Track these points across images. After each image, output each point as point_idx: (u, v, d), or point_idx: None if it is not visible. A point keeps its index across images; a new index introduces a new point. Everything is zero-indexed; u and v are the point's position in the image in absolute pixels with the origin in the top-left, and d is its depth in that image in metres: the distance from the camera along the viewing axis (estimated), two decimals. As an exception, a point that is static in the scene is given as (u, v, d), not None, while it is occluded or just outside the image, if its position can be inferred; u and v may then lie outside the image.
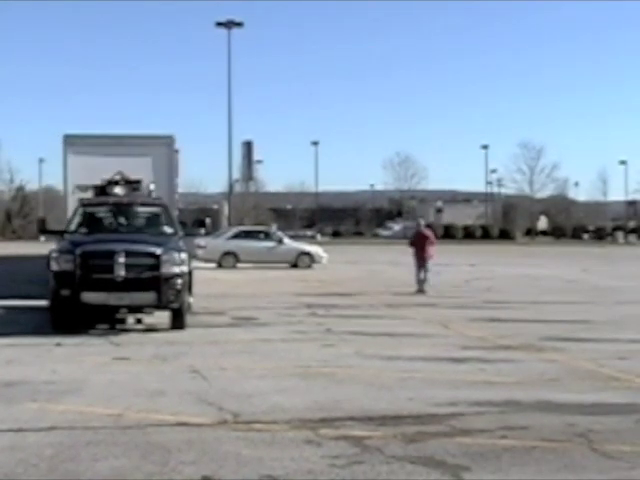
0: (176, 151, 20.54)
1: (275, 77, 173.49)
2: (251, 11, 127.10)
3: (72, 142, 20.43)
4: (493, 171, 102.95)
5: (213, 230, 31.28)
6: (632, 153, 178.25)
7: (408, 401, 8.67)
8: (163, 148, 20.42)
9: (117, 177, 18.03)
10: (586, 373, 10.54)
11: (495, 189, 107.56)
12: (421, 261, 23.23)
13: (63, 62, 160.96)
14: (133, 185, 17.64)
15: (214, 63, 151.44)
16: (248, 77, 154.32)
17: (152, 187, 18.94)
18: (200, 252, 29.02)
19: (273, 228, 46.98)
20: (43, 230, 17.17)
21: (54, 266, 13.95)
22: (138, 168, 19.44)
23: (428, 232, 24.54)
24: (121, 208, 16.51)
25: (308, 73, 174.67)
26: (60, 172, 21.17)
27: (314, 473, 6.24)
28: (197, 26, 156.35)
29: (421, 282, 23.00)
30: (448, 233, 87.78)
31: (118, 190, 17.65)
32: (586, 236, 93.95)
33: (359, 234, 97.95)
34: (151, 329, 14.19)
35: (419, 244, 23.62)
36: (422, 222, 26.01)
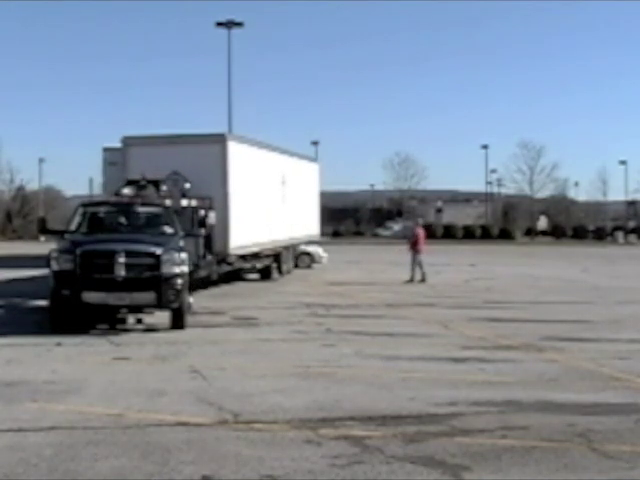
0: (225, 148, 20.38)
1: (275, 77, 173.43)
2: (251, 11, 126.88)
3: (131, 143, 20.75)
4: (493, 171, 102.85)
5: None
6: (632, 153, 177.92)
7: (408, 401, 8.67)
8: (216, 146, 20.45)
9: (138, 177, 18.17)
10: (586, 373, 10.55)
11: (495, 189, 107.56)
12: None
13: (62, 61, 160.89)
14: (144, 185, 17.74)
15: (214, 63, 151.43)
16: (248, 77, 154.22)
17: (187, 186, 19.01)
18: None
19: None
20: (43, 230, 17.19)
21: (54, 266, 13.96)
22: (192, 166, 19.63)
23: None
24: (121, 208, 16.52)
25: (308, 73, 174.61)
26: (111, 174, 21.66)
27: (314, 473, 6.24)
28: (197, 26, 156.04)
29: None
30: (448, 233, 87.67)
31: (126, 190, 17.73)
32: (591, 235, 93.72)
33: (359, 234, 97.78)
34: (151, 329, 14.19)
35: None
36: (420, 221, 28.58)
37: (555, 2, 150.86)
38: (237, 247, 21.03)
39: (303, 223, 29.15)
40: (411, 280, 25.19)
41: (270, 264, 25.55)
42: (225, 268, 21.47)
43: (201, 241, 18.61)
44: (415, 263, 25.48)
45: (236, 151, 21.26)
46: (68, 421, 7.70)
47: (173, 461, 6.47)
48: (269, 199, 24.53)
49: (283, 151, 27.50)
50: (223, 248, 20.14)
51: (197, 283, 20.21)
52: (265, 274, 25.59)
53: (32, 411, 8.11)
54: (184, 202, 18.43)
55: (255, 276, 25.46)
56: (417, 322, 15.89)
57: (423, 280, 25.09)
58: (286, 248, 26.96)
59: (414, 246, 25.62)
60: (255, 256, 23.70)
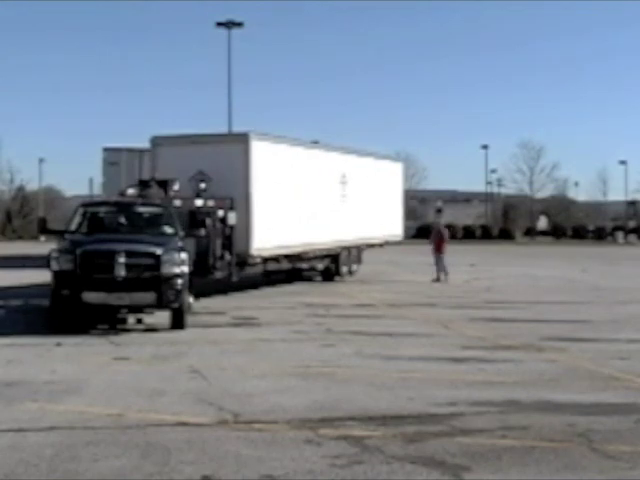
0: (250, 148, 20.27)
1: (275, 77, 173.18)
2: (251, 11, 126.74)
3: (160, 143, 20.75)
4: (493, 171, 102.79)
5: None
6: (632, 153, 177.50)
7: (408, 401, 8.68)
8: (240, 146, 20.37)
9: (148, 177, 18.18)
10: (586, 373, 10.55)
11: (495, 189, 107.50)
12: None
13: (61, 61, 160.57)
14: (149, 185, 17.76)
15: (214, 63, 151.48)
16: (248, 77, 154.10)
17: (202, 186, 18.98)
18: None
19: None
20: (44, 230, 17.20)
21: (55, 266, 13.96)
22: (217, 166, 19.62)
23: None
24: (122, 208, 16.51)
25: (308, 73, 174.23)
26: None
27: (314, 473, 6.24)
28: (197, 26, 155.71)
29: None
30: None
31: (131, 191, 17.73)
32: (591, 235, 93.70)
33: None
34: (151, 329, 14.20)
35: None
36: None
37: (556, 2, 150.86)
38: (263, 248, 20.43)
39: (377, 223, 28.19)
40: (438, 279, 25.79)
41: (329, 265, 25.23)
42: (255, 269, 21.08)
43: (218, 241, 18.42)
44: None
45: (263, 150, 20.85)
46: (68, 421, 7.71)
47: (173, 461, 6.47)
48: (319, 199, 23.92)
49: (349, 150, 26.95)
50: (245, 249, 19.90)
51: (246, 283, 20.48)
52: (326, 275, 25.38)
53: (32, 411, 8.12)
54: (199, 202, 18.30)
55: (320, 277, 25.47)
56: (417, 322, 15.89)
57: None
58: (346, 249, 26.01)
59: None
60: (298, 258, 22.97)
